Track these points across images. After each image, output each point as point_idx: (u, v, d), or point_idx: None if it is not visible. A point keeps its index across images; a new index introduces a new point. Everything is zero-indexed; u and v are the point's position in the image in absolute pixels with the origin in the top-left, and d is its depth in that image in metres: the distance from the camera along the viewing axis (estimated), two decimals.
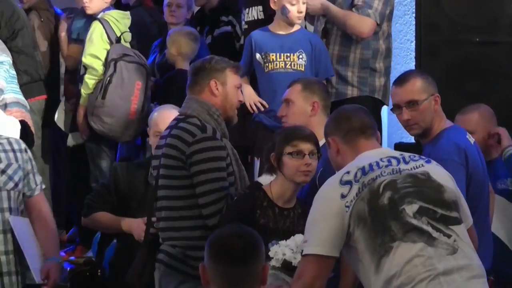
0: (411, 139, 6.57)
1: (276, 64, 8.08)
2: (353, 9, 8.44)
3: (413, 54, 8.46)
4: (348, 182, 5.02)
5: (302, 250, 5.21)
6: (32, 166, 6.73)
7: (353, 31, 8.43)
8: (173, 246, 6.24)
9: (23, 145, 6.78)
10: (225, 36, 9.61)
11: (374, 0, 8.37)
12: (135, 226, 6.98)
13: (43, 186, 6.90)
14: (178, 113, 6.63)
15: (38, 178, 6.82)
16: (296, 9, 8.04)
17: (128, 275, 6.72)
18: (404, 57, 8.46)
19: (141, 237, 6.85)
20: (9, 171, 6.50)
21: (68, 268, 7.97)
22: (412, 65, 8.25)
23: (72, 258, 8.20)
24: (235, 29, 9.64)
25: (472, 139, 6.44)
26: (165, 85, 8.73)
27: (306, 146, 6.00)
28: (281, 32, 8.23)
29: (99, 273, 7.59)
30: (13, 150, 6.58)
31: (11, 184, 6.50)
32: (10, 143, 6.66)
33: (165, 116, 7.04)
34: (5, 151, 6.56)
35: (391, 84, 7.98)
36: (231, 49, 9.33)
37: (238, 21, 9.71)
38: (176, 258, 6.21)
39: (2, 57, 8.58)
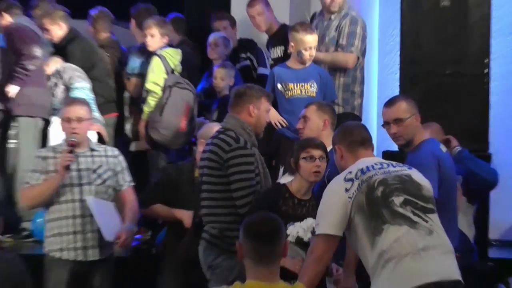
0: (396, 148, 6.64)
1: (294, 91, 8.12)
2: (339, 48, 8.62)
3: (398, 83, 8.44)
4: (351, 180, 5.22)
5: (313, 231, 5.50)
6: (122, 168, 7.07)
7: (341, 65, 8.56)
8: (213, 227, 6.41)
9: (117, 152, 7.18)
10: (245, 68, 9.64)
11: (355, 40, 8.48)
12: (186, 215, 7.07)
13: (132, 184, 7.14)
14: (219, 127, 6.72)
15: (128, 177, 7.14)
16: (309, 54, 8.08)
17: (179, 249, 6.91)
18: (390, 85, 8.45)
19: (189, 224, 7.01)
20: (99, 171, 6.84)
21: (133, 244, 7.99)
22: (397, 92, 8.26)
23: (138, 236, 8.22)
24: (252, 62, 9.65)
25: (444, 149, 6.56)
26: (221, 105, 8.71)
27: (317, 152, 6.19)
28: (296, 67, 8.20)
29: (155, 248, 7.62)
30: (106, 156, 6.99)
31: (99, 181, 6.83)
32: (105, 150, 7.12)
33: (209, 130, 7.06)
34: (99, 156, 6.96)
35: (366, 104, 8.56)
36: (250, 78, 9.29)
37: (254, 56, 9.77)
38: (215, 236, 6.38)
39: (83, 83, 8.76)
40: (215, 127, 6.97)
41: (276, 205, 6.04)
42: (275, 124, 8.22)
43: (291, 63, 8.34)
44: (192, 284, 6.64)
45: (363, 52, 8.64)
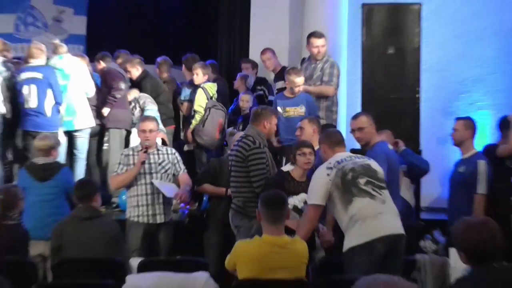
0: (359, 147, 6.66)
1: (289, 113, 8.09)
2: (323, 83, 8.53)
3: (360, 104, 8.42)
4: (330, 168, 5.48)
5: (306, 202, 5.81)
6: (177, 161, 7.21)
7: (325, 94, 8.49)
8: (238, 200, 6.51)
9: (174, 151, 7.33)
10: (259, 96, 9.66)
11: (333, 78, 8.47)
12: (224, 192, 6.93)
13: (185, 170, 7.29)
14: (242, 134, 6.82)
15: (182, 166, 7.28)
16: (297, 89, 8.03)
17: (219, 215, 7.02)
18: (355, 106, 8.41)
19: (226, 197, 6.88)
20: (163, 164, 7.03)
21: (186, 212, 8.05)
22: (359, 110, 8.24)
23: (188, 207, 8.23)
24: (265, 92, 9.76)
25: (391, 147, 6.61)
26: (244, 119, 8.71)
27: (307, 150, 6.37)
28: (290, 96, 8.16)
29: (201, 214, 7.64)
30: (167, 154, 7.15)
31: (162, 171, 7.01)
32: (166, 150, 7.26)
33: (236, 137, 7.09)
34: (163, 154, 7.11)
35: (339, 118, 8.59)
36: (263, 103, 9.22)
37: (266, 88, 9.81)
38: (239, 206, 6.47)
39: (153, 106, 8.85)
40: (240, 135, 7.01)
41: (282, 185, 6.15)
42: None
43: (287, 93, 8.31)
44: (227, 238, 6.67)
45: (338, 85, 8.62)
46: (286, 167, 6.63)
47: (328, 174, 5.40)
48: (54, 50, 8.67)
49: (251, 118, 6.77)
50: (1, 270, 4.71)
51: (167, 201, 7.07)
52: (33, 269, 5.42)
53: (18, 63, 8.67)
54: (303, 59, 8.86)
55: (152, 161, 6.96)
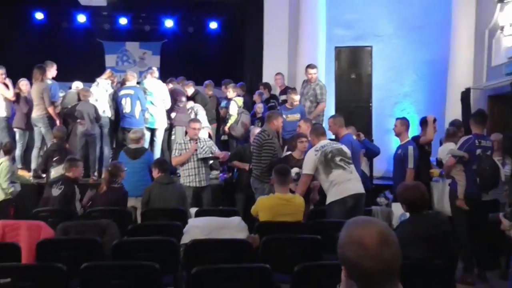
0: (333, 137, 6.61)
1: (289, 118, 7.69)
2: (317, 100, 8.05)
3: (334, 110, 8.38)
4: (317, 150, 5.36)
5: (301, 172, 5.53)
6: (212, 145, 6.98)
7: (322, 109, 8.07)
8: (256, 171, 6.30)
9: (208, 139, 7.22)
10: (272, 106, 8.91)
11: (323, 96, 8.01)
12: (247, 166, 6.77)
13: (218, 151, 7.05)
14: (260, 129, 6.66)
15: (216, 148, 7.05)
16: (294, 103, 7.91)
17: (243, 180, 6.89)
18: (331, 111, 8.41)
19: (248, 170, 6.74)
20: (204, 148, 6.77)
21: (223, 179, 8.09)
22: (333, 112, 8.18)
23: (225, 175, 8.20)
24: (275, 104, 9.08)
25: (354, 137, 6.43)
26: (260, 121, 8.50)
27: (304, 139, 6.17)
28: (290, 107, 7.86)
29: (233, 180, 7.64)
30: (205, 141, 6.93)
31: (203, 151, 6.74)
32: (204, 139, 7.00)
33: (255, 131, 7.00)
34: (204, 141, 6.90)
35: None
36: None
37: (276, 101, 9.13)
38: (257, 175, 6.27)
39: (202, 112, 8.59)
40: (257, 129, 6.95)
41: (287, 162, 5.97)
42: None
43: (288, 105, 8.04)
44: (248, 196, 6.63)
45: (326, 100, 8.19)
46: (286, 153, 6.56)
47: (315, 154, 5.34)
48: (145, 76, 8.70)
49: (266, 119, 6.57)
50: (111, 216, 4.77)
51: (208, 173, 6.92)
52: (129, 215, 5.47)
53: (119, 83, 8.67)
54: (304, 81, 8.70)
55: (198, 146, 6.75)
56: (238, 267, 3.11)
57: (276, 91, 9.48)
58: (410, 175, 6.20)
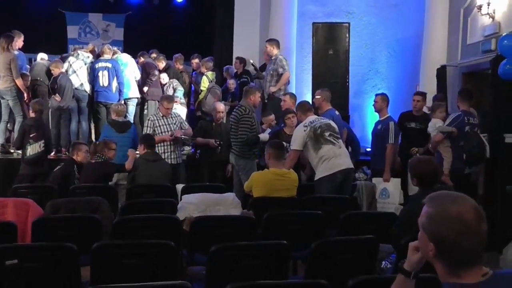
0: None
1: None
2: (279, 73, 7.51)
3: (311, 86, 8.33)
4: (306, 126, 5.31)
5: (290, 147, 5.38)
6: (183, 121, 6.79)
7: (286, 80, 7.58)
8: (235, 146, 6.15)
9: (178, 114, 6.91)
10: (244, 82, 8.52)
11: (285, 67, 7.46)
12: (210, 142, 6.47)
13: (189, 127, 6.84)
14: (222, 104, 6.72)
15: (186, 124, 6.85)
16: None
17: (212, 157, 6.62)
18: (308, 87, 8.34)
19: (214, 146, 6.53)
20: (175, 123, 6.59)
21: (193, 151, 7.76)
22: (311, 90, 8.08)
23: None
24: (247, 79, 8.74)
25: (337, 112, 6.29)
26: (232, 96, 8.51)
27: (291, 115, 6.16)
28: None
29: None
30: (176, 117, 6.69)
31: (174, 126, 6.52)
32: (175, 114, 6.73)
33: (218, 107, 6.69)
34: (176, 116, 6.69)
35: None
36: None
37: (248, 76, 8.89)
38: (237, 151, 6.14)
39: (181, 87, 8.52)
40: (221, 105, 6.86)
41: (278, 137, 5.95)
42: None
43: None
44: (216, 175, 6.60)
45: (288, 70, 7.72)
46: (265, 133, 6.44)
47: (304, 130, 5.26)
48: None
49: (243, 94, 6.38)
50: (96, 193, 4.61)
51: (181, 149, 6.81)
52: (115, 193, 5.28)
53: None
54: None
55: (170, 122, 6.52)
56: (257, 244, 3.03)
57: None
58: (390, 151, 6.18)
